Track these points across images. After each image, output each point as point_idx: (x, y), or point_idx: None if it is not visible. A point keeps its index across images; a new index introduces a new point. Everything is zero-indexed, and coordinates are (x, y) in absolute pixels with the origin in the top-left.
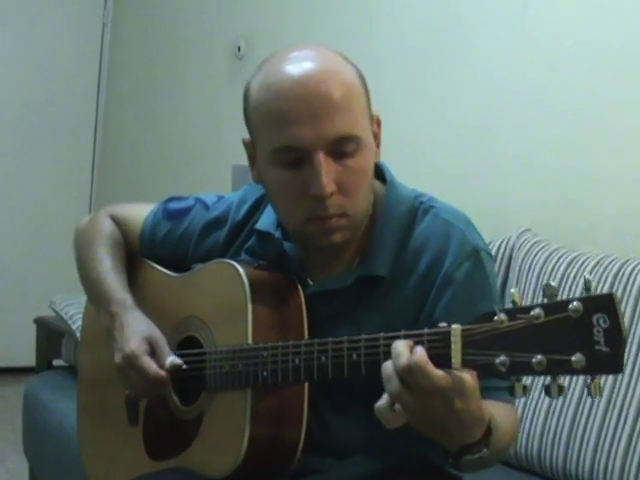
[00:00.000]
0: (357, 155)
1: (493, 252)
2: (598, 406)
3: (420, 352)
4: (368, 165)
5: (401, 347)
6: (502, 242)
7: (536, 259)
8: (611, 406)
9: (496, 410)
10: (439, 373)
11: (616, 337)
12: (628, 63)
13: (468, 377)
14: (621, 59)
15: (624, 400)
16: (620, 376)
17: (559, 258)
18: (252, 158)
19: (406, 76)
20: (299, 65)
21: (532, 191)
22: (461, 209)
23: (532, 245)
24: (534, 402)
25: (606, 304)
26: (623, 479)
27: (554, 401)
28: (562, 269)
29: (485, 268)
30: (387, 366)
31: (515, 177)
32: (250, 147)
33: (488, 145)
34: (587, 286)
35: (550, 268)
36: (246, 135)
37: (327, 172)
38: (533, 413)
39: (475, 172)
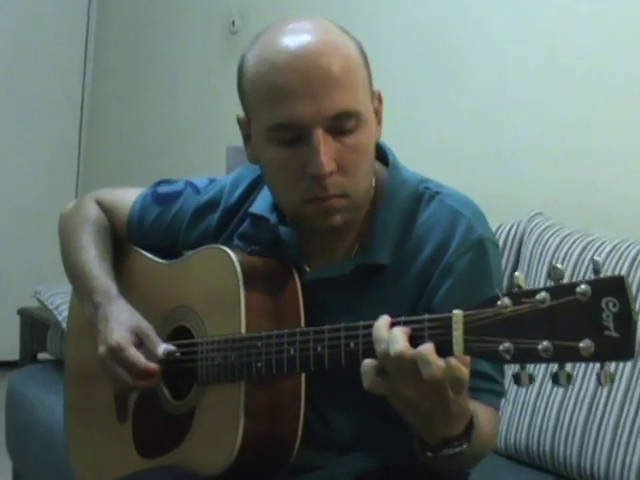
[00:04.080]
0: (357, 132)
1: (502, 237)
2: (615, 399)
3: (428, 345)
4: (369, 142)
5: (398, 333)
6: (512, 227)
7: (548, 244)
8: (629, 399)
9: (478, 410)
10: (441, 364)
11: (626, 322)
12: None
13: (465, 370)
14: (636, 31)
15: None
16: (638, 368)
17: (572, 243)
18: (247, 136)
19: (412, 55)
20: (297, 37)
21: (544, 172)
22: (468, 193)
23: (544, 230)
24: (546, 395)
25: (616, 287)
26: None
27: (567, 394)
28: (576, 255)
29: (489, 259)
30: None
31: (525, 157)
32: (244, 124)
33: (497, 124)
34: (596, 268)
35: (563, 254)
36: (241, 113)
37: (326, 150)
38: (545, 407)
39: (483, 152)
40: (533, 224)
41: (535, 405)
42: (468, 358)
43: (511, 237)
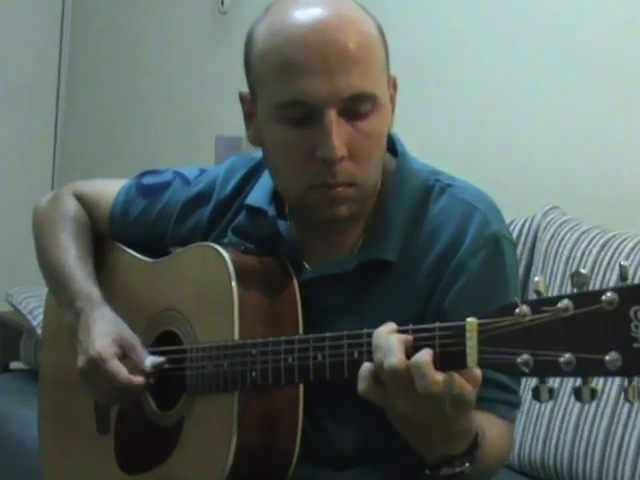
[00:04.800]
0: (372, 117)
1: (515, 233)
2: (639, 409)
3: (426, 353)
4: (383, 129)
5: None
6: (525, 222)
7: (564, 241)
8: None
9: (488, 425)
10: (437, 377)
11: None
12: None
13: (469, 388)
14: None
15: None
16: None
17: (591, 240)
18: (249, 115)
19: (419, 38)
20: (314, 10)
21: (560, 163)
22: (478, 184)
23: (560, 225)
24: (563, 405)
25: None
26: None
27: (587, 404)
28: (594, 253)
29: (504, 258)
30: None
31: (540, 146)
32: (248, 102)
33: (509, 110)
34: (623, 274)
35: (580, 252)
36: (235, 95)
37: (339, 133)
38: (562, 418)
39: (494, 141)
40: (548, 219)
41: (551, 415)
42: (479, 374)
43: (525, 233)
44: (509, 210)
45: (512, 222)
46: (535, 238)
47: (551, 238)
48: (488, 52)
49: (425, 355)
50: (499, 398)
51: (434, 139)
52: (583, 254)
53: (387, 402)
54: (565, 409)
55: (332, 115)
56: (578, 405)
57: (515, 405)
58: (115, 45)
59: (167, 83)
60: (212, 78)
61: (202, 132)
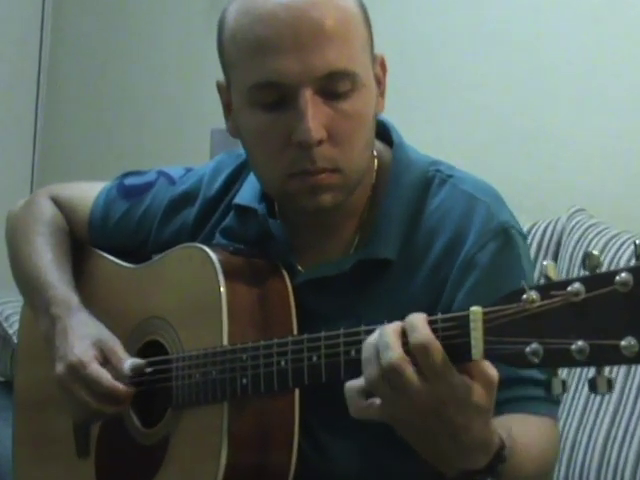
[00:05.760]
0: (353, 97)
1: (537, 237)
2: None
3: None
4: (366, 111)
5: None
6: (549, 225)
7: (591, 246)
8: None
9: (523, 427)
10: (434, 339)
11: None
12: None
13: (479, 390)
14: None
15: None
16: None
17: (621, 245)
18: (227, 105)
19: (433, 23)
20: None
21: (587, 161)
22: (497, 184)
23: (587, 229)
24: (589, 426)
25: None
26: None
27: (615, 423)
28: (624, 259)
29: (516, 249)
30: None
31: (566, 142)
32: (224, 90)
33: (532, 103)
34: (638, 253)
35: (609, 258)
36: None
37: (315, 114)
38: (588, 440)
39: (515, 136)
40: (574, 222)
41: (576, 438)
42: (491, 372)
43: (547, 237)
44: (531, 212)
45: (534, 225)
46: (559, 243)
47: (577, 243)
48: (512, 42)
49: (418, 315)
50: (530, 395)
51: (452, 135)
52: (612, 261)
53: (384, 414)
54: (591, 430)
55: (307, 95)
56: (605, 426)
57: (557, 402)
58: (102, 32)
59: (159, 73)
60: (208, 67)
61: (197, 125)
